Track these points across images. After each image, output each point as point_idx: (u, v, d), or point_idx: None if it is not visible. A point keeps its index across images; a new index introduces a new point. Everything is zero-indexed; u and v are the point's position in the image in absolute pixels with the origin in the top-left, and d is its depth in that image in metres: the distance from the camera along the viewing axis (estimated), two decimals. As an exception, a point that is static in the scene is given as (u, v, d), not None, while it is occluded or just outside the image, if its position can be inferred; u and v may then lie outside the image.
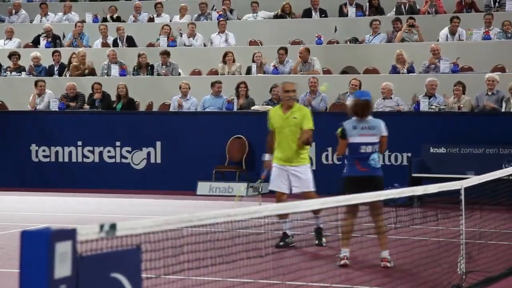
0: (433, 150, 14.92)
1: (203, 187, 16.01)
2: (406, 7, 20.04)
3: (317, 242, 9.83)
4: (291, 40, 19.74)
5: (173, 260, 4.92)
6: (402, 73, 17.44)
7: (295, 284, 6.93)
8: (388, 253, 8.64)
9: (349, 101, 11.00)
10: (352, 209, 8.55)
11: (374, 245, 8.68)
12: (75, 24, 20.84)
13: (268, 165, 10.31)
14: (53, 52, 19.66)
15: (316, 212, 9.08)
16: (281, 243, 9.70)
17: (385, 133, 9.10)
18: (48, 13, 22.20)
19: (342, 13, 20.49)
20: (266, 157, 10.43)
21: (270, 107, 16.79)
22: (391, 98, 16.25)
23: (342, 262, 8.51)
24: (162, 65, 18.82)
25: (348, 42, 19.40)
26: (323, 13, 20.57)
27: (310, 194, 9.99)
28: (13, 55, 19.59)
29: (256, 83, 17.67)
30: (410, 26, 18.73)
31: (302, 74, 17.88)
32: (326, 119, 16.36)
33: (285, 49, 18.58)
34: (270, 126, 10.37)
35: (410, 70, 17.51)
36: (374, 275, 7.97)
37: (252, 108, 16.97)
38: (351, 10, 20.27)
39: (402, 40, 18.72)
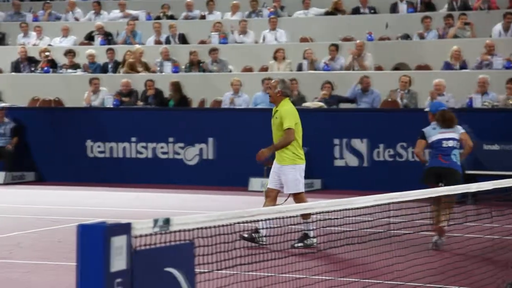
0: (487, 147, 14.76)
1: (255, 183, 16.07)
2: (459, 3, 19.83)
3: (295, 244, 9.26)
4: (342, 37, 19.69)
5: (226, 255, 4.98)
6: (455, 70, 17.28)
7: (347, 280, 6.94)
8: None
9: (427, 109, 11.16)
10: (437, 200, 8.70)
11: (427, 241, 8.64)
12: (128, 22, 21.08)
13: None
14: (107, 50, 19.92)
15: (304, 216, 8.91)
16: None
17: (462, 130, 10.04)
18: (102, 11, 22.48)
19: (393, 10, 20.38)
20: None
21: (321, 103, 16.81)
22: (443, 95, 16.11)
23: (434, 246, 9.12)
24: (212, 62, 18.95)
25: (399, 39, 19.28)
26: (372, 10, 20.48)
27: (295, 196, 9.84)
28: (69, 53, 19.91)
29: (306, 80, 17.67)
30: (465, 24, 18.53)
31: (354, 71, 17.84)
32: (378, 116, 16.33)
33: (336, 46, 18.55)
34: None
35: (463, 66, 17.35)
36: (427, 272, 7.94)
37: (303, 105, 16.97)
38: (403, 7, 20.14)
39: (454, 36, 18.54)
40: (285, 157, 9.90)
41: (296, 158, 9.96)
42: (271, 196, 9.89)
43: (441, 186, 9.42)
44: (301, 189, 9.93)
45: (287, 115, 9.89)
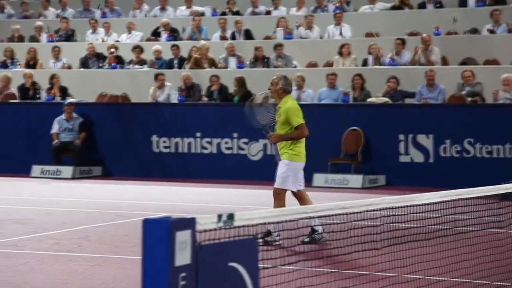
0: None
1: (318, 178, 16.03)
2: (530, -4, 19.46)
3: (304, 239, 9.07)
4: (408, 32, 19.49)
5: (289, 250, 4.98)
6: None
7: (412, 277, 6.88)
8: None
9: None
10: None
11: (493, 239, 8.49)
12: (193, 18, 21.23)
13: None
14: (173, 46, 20.08)
15: None
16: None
17: None
18: (168, 7, 22.68)
19: (462, 4, 20.08)
20: None
21: (386, 99, 16.67)
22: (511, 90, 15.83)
23: None
24: (277, 57, 18.96)
25: (467, 33, 19.00)
26: (438, 4, 20.22)
27: (293, 194, 9.71)
28: (136, 49, 20.15)
29: (372, 75, 17.54)
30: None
31: (420, 66, 17.64)
32: (444, 111, 16.12)
33: (402, 40, 18.37)
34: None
35: (533, 61, 17.02)
36: (494, 270, 7.81)
37: (368, 100, 16.87)
38: (471, 0, 19.84)
39: (525, 29, 18.19)
40: (284, 151, 9.79)
41: (292, 155, 9.82)
42: (280, 195, 9.76)
43: None
44: (289, 186, 9.69)
45: (293, 112, 9.75)
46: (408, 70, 17.76)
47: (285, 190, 9.73)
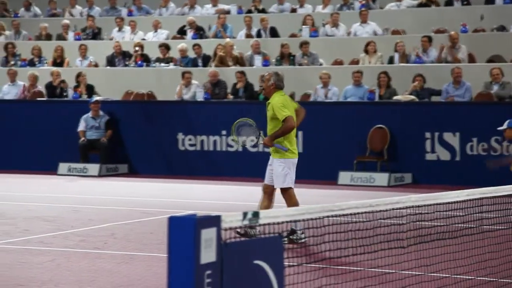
0: None
1: (344, 176, 16.00)
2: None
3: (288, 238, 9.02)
4: (435, 29, 19.38)
5: (314, 248, 4.98)
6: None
7: (438, 275, 6.85)
8: None
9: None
10: None
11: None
12: (219, 16, 21.25)
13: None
14: (194, 45, 20.04)
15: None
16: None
17: None
18: (196, 5, 22.73)
19: (489, 1, 19.94)
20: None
21: (412, 96, 16.60)
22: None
23: None
24: (303, 55, 18.94)
25: (494, 30, 18.86)
26: (465, 1, 20.09)
27: (282, 191, 9.59)
28: (162, 47, 20.21)
29: (398, 73, 17.47)
30: None
31: (446, 63, 17.55)
32: (471, 109, 16.02)
33: (429, 38, 18.28)
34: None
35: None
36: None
37: (394, 98, 16.80)
38: (499, -3, 19.72)
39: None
40: (277, 150, 9.67)
41: (286, 153, 9.67)
42: (267, 192, 9.76)
43: None
44: (289, 184, 9.63)
45: (278, 106, 9.60)
46: (435, 68, 17.67)
47: (292, 188, 9.65)
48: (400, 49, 18.12)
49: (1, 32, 22.76)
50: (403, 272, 6.58)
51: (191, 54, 20.07)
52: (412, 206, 5.55)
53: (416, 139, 15.91)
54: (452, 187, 12.92)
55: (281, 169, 9.63)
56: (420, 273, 6.71)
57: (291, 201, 9.63)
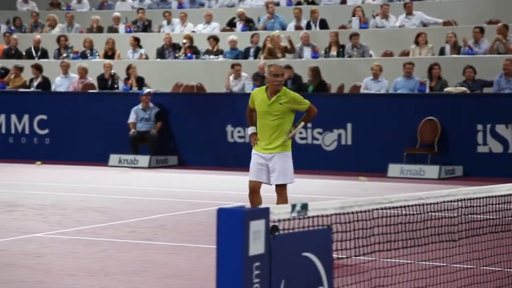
0: None
1: (394, 169, 15.89)
2: None
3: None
4: (487, 20, 19.11)
5: (363, 241, 4.95)
6: None
7: (490, 269, 6.76)
8: None
9: None
10: None
11: None
12: (267, 5, 21.22)
13: (254, 139, 9.01)
14: (252, 35, 20.01)
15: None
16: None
17: None
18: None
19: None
20: (250, 130, 9.15)
21: (464, 88, 16.39)
22: None
23: None
24: (353, 47, 18.82)
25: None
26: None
27: (282, 187, 8.90)
28: (212, 39, 20.27)
29: (449, 64, 17.27)
30: None
31: (498, 55, 17.29)
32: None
33: (481, 29, 18.02)
34: (250, 104, 9.00)
35: None
36: None
37: (445, 89, 16.62)
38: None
39: None
40: (283, 143, 8.94)
41: (289, 145, 9.07)
42: (257, 190, 9.04)
43: None
44: (293, 179, 9.02)
45: (298, 96, 9.14)
46: (486, 59, 17.42)
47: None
48: (451, 40, 17.91)
49: (55, 25, 23.05)
50: (454, 265, 6.51)
51: (240, 46, 20.09)
52: (464, 199, 5.49)
53: (467, 131, 15.73)
54: (505, 180, 12.74)
55: (290, 163, 8.96)
56: (471, 266, 6.63)
57: (285, 197, 9.04)
